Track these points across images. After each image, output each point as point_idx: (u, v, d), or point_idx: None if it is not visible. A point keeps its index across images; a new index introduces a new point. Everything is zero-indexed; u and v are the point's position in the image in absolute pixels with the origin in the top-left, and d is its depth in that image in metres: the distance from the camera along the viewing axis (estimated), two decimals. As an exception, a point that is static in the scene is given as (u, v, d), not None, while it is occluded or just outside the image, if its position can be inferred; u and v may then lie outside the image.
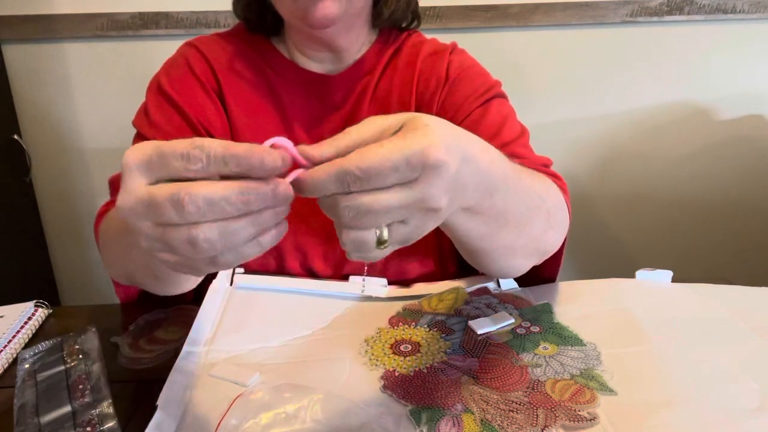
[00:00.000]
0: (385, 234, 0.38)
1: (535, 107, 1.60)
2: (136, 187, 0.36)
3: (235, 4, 0.79)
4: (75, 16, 1.48)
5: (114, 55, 1.53)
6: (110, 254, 0.64)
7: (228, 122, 0.76)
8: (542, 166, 0.69)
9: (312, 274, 0.76)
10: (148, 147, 0.37)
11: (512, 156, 0.69)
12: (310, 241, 0.76)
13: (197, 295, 0.70)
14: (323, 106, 0.77)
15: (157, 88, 0.75)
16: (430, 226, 0.41)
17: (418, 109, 0.77)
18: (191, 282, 0.62)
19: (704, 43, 1.57)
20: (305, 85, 0.77)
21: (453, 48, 0.81)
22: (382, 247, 0.38)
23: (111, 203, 0.70)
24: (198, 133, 0.73)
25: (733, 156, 1.68)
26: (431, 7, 1.49)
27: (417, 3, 0.81)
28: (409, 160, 0.36)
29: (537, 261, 0.66)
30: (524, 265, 0.65)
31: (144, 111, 0.75)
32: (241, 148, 0.35)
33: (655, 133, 1.65)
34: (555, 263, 0.70)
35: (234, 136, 0.75)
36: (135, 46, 1.52)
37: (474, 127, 0.72)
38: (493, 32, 1.53)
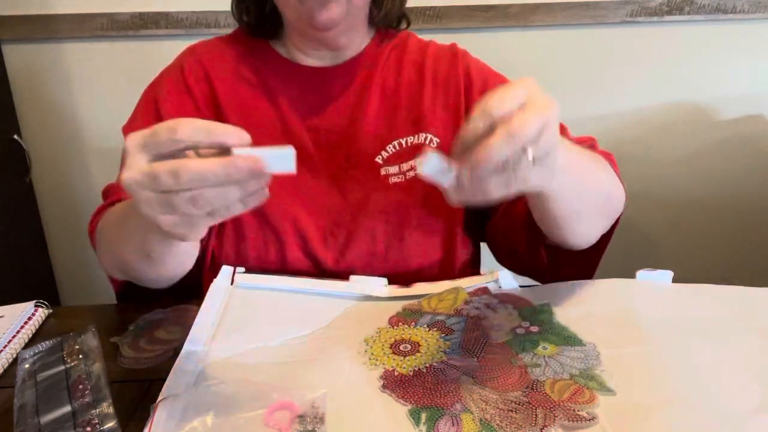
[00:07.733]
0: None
1: (535, 107, 1.60)
2: (138, 163, 0.44)
3: (234, 9, 0.82)
4: (75, 16, 1.48)
5: (114, 55, 1.53)
6: (106, 245, 0.69)
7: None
8: (590, 147, 0.74)
9: (315, 261, 0.77)
10: (144, 131, 0.45)
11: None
12: (311, 226, 0.77)
13: (197, 295, 0.71)
14: (320, 97, 0.81)
15: (148, 97, 0.80)
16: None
17: (440, 113, 0.80)
18: (181, 264, 0.65)
19: (704, 43, 1.57)
20: (301, 79, 0.81)
21: (464, 53, 0.84)
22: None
23: (104, 207, 0.74)
24: None
25: (733, 156, 1.67)
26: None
27: (404, 4, 0.85)
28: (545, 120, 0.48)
29: (608, 223, 0.70)
30: (601, 224, 0.69)
31: (132, 118, 0.80)
32: (219, 128, 0.44)
33: (655, 133, 1.65)
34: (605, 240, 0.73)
35: None
36: (135, 46, 1.52)
37: None
38: (493, 32, 1.53)
